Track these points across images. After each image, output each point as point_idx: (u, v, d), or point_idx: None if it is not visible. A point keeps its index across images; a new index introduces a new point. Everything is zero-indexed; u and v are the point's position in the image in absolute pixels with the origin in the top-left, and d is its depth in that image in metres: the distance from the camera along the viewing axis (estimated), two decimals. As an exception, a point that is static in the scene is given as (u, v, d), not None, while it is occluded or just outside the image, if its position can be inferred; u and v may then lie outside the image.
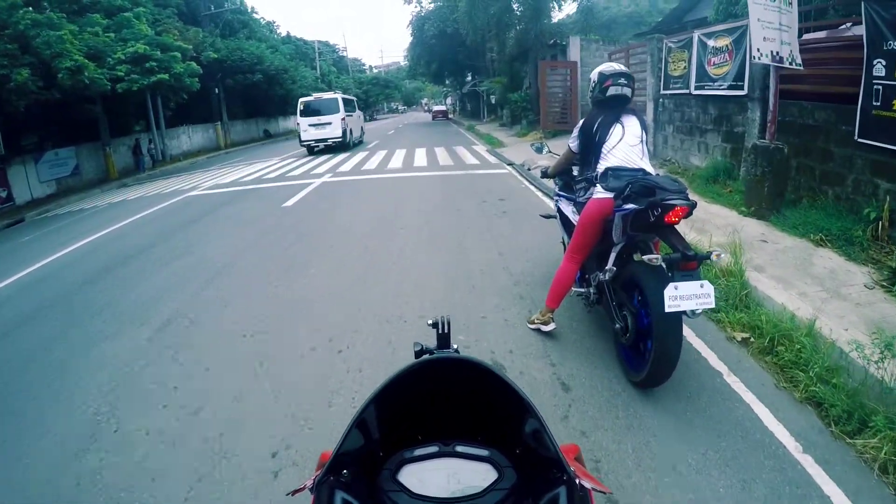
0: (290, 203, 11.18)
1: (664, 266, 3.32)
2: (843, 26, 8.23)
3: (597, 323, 4.76)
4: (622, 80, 4.02)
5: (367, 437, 1.16)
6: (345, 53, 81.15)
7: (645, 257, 3.29)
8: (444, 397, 1.23)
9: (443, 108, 62.89)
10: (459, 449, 1.15)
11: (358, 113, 29.17)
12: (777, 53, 7.19)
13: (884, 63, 5.94)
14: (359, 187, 12.80)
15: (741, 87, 9.23)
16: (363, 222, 8.87)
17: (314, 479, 1.07)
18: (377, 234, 8.07)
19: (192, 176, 19.53)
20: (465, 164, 15.66)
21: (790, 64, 7.24)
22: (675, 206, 3.20)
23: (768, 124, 7.71)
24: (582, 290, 4.46)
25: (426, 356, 1.26)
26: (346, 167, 16.80)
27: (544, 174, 5.35)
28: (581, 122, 4.26)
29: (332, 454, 1.07)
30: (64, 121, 21.28)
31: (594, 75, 4.18)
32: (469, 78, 50.91)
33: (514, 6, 25.62)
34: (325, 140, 22.65)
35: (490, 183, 12.19)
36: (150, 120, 26.24)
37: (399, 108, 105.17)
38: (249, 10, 46.23)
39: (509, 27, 26.76)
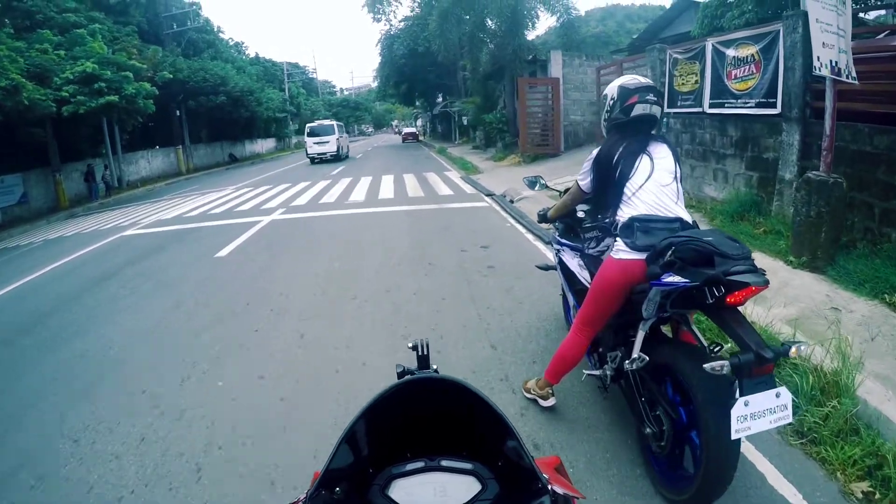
0: (224, 252, 9.30)
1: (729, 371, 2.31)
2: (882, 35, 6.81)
3: (613, 409, 3.75)
4: (651, 97, 3.07)
5: (357, 455, 1.19)
6: (315, 75, 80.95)
7: (708, 366, 2.31)
8: (427, 415, 1.25)
9: (413, 130, 62.31)
10: (445, 463, 1.18)
11: (346, 134, 38.64)
12: (836, 64, 5.70)
13: None
14: (311, 229, 10.92)
15: (773, 105, 7.83)
16: (305, 289, 6.89)
17: (307, 494, 1.11)
18: (320, 312, 6.04)
19: (140, 208, 17.98)
20: (438, 196, 14.02)
21: (846, 77, 5.83)
22: (746, 285, 2.31)
23: (823, 152, 6.18)
24: (595, 372, 3.54)
25: (408, 377, 1.27)
26: (303, 200, 15.06)
27: (543, 218, 4.36)
28: (595, 152, 3.28)
29: (322, 470, 1.11)
30: (9, 145, 19.80)
31: (613, 90, 3.20)
32: (440, 99, 50.33)
33: (489, 22, 24.17)
34: (324, 154, 30.82)
35: (468, 220, 10.65)
36: (107, 144, 24.66)
37: (367, 130, 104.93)
38: (215, 30, 45.29)
39: (483, 44, 25.37)
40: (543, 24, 74.55)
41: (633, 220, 2.88)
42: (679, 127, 10.51)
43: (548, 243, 7.96)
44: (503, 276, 6.73)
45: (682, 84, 10.10)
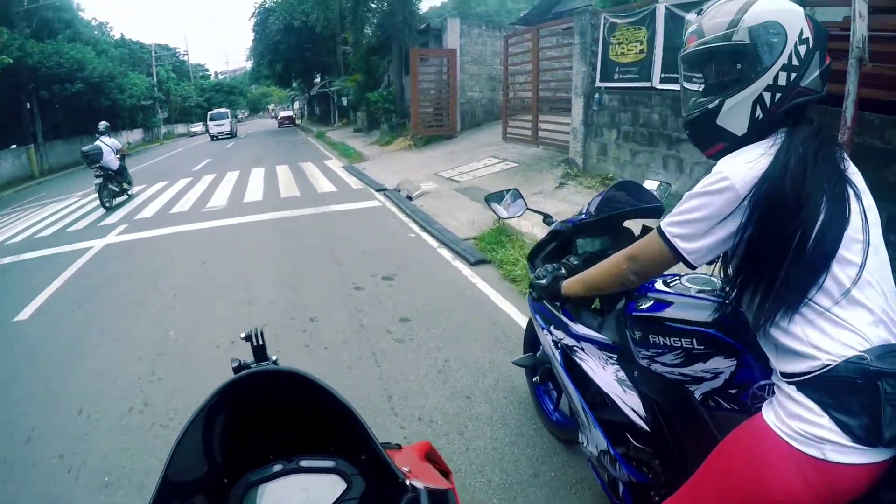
0: (27, 313, 6.04)
1: None
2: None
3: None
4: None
5: (207, 463, 1.12)
6: (186, 58, 74.05)
7: None
8: (280, 412, 1.19)
9: (289, 113, 58.72)
10: (304, 464, 1.15)
11: (234, 119, 48.09)
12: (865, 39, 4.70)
13: None
14: (149, 260, 7.76)
15: (754, 80, 6.54)
16: (120, 396, 4.02)
17: None
18: (136, 456, 3.35)
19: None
20: (317, 194, 11.49)
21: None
22: None
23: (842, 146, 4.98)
24: None
25: (244, 371, 1.17)
26: (150, 210, 11.64)
27: (545, 291, 2.14)
28: (720, 177, 1.45)
29: (156, 486, 1.00)
30: None
31: (790, 21, 1.48)
32: (318, 79, 47.84)
33: None
34: (222, 132, 41.00)
35: (359, 231, 8.14)
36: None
37: (242, 115, 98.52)
38: (74, 7, 40.18)
39: (369, 12, 23.30)
40: None
41: (862, 360, 1.31)
42: (616, 104, 9.10)
43: (473, 263, 6.20)
44: (427, 338, 4.46)
45: (622, 54, 8.67)
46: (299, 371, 1.10)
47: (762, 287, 1.44)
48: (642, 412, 1.97)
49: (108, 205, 12.16)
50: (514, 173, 10.80)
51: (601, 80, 9.41)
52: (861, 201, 1.46)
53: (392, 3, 20.81)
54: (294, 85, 58.24)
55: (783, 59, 1.45)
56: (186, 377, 4.12)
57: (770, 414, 1.43)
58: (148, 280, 6.64)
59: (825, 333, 1.36)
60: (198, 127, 55.73)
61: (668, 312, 1.87)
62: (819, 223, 1.36)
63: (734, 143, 1.54)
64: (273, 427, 1.19)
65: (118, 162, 12.69)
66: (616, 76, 9.01)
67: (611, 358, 2.14)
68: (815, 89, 1.49)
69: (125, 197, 13.27)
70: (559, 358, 2.38)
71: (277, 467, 1.14)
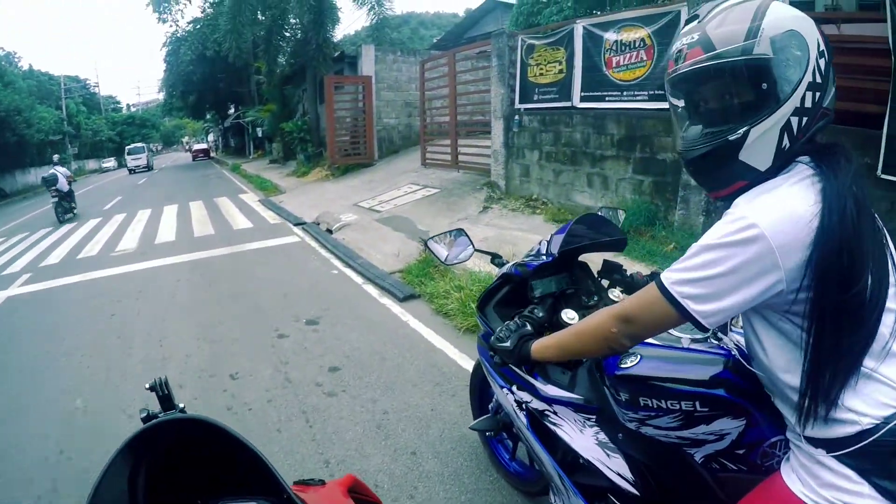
0: None
1: None
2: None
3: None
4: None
5: None
6: (97, 89, 71.05)
7: None
8: (199, 458, 1.16)
9: (204, 146, 55.91)
10: None
11: (150, 153, 49.24)
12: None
13: None
14: (55, 312, 6.86)
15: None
16: (24, 473, 3.49)
17: None
18: None
19: None
20: (233, 232, 10.77)
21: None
22: None
23: None
24: None
25: (152, 421, 1.14)
26: (58, 254, 10.66)
27: (509, 356, 1.75)
28: (747, 225, 1.17)
29: None
30: None
31: (806, 30, 1.25)
32: (232, 109, 46.51)
33: (291, 18, 21.63)
34: (139, 166, 42.37)
35: (278, 271, 7.55)
36: None
37: (156, 149, 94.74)
38: None
39: (283, 40, 22.70)
40: (353, 23, 73.71)
41: None
42: (537, 125, 9.04)
43: (402, 299, 5.80)
44: (361, 389, 3.99)
45: (541, 74, 8.65)
46: (204, 418, 1.11)
47: (808, 364, 1.21)
48: (629, 476, 1.69)
49: (61, 219, 15.49)
50: (436, 200, 10.48)
51: (521, 102, 9.33)
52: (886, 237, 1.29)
53: (306, 31, 20.35)
54: (208, 116, 56.54)
55: (808, 76, 1.23)
56: (98, 454, 3.42)
57: (795, 482, 1.27)
58: (52, 338, 5.84)
59: (863, 394, 1.19)
60: (110, 162, 53.51)
61: (661, 371, 1.58)
62: (869, 285, 1.16)
63: (755, 180, 1.28)
64: (195, 473, 1.16)
65: (68, 186, 16.11)
66: (535, 97, 8.94)
67: (588, 419, 1.82)
68: (832, 110, 1.30)
69: (72, 214, 16.19)
70: (525, 421, 2.01)
71: None
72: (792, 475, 1.30)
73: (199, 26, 35.29)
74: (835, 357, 1.17)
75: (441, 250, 2.54)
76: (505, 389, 2.09)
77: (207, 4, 33.25)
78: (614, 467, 1.72)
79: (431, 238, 2.58)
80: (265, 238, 9.62)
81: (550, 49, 8.38)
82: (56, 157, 18.81)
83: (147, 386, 1.39)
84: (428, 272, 6.30)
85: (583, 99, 8.00)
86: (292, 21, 21.97)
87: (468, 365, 4.17)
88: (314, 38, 19.61)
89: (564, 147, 8.57)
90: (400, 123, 18.24)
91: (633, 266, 2.55)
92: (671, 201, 6.94)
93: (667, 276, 1.28)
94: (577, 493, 1.84)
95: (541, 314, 1.86)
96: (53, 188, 15.51)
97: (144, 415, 1.28)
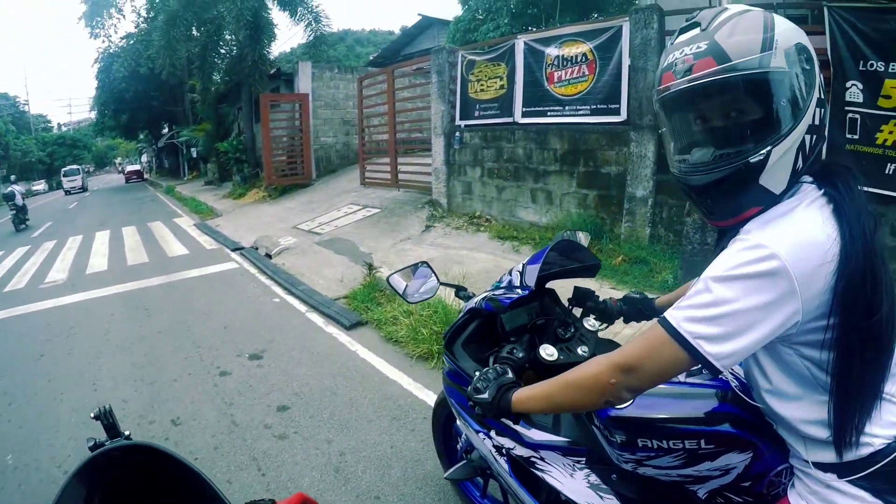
0: None
1: None
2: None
3: None
4: None
5: None
6: (27, 107, 69.54)
7: None
8: (149, 484, 1.19)
9: (137, 167, 53.65)
10: None
11: (84, 174, 49.26)
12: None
13: (860, 87, 4.87)
14: None
15: (616, 112, 6.71)
16: None
17: None
18: None
19: None
20: (168, 259, 10.12)
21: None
22: None
23: None
24: None
25: (99, 450, 1.17)
26: None
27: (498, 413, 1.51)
28: (767, 253, 1.08)
29: None
30: None
31: (786, 35, 1.16)
32: (166, 129, 45.22)
33: (225, 33, 21.04)
34: (75, 187, 42.29)
35: (217, 301, 7.02)
36: None
37: (88, 170, 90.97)
38: None
39: (218, 58, 22.10)
40: (289, 39, 73.14)
41: None
42: (479, 142, 8.97)
43: (349, 327, 5.54)
44: (313, 429, 3.70)
45: (482, 90, 8.60)
46: (150, 443, 1.13)
47: (836, 395, 1.16)
48: None
49: (18, 228, 18.47)
50: (377, 220, 10.25)
51: (461, 118, 9.26)
52: None
53: (241, 48, 19.75)
54: (141, 136, 54.52)
55: (817, 92, 1.17)
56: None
57: None
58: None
59: (875, 417, 1.16)
60: (40, 185, 50.50)
61: (660, 410, 1.47)
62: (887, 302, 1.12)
63: (769, 205, 1.18)
64: (146, 501, 1.17)
65: (22, 201, 19.02)
66: (477, 113, 8.89)
67: (578, 462, 1.68)
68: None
69: (25, 225, 18.93)
70: (507, 467, 1.84)
71: None
72: (801, 502, 1.26)
73: (132, 42, 34.02)
74: (860, 385, 1.13)
75: (403, 286, 2.35)
76: (482, 434, 1.91)
77: (141, 19, 32.33)
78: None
79: (392, 274, 2.38)
80: (202, 265, 9.12)
81: (491, 65, 8.34)
82: (13, 177, 23.59)
83: (92, 415, 1.40)
84: (374, 297, 6.06)
85: (525, 114, 7.98)
86: (228, 37, 21.27)
87: (424, 396, 3.99)
88: (250, 54, 19.10)
89: (507, 163, 8.52)
90: (338, 142, 17.96)
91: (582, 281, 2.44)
92: (617, 214, 6.96)
93: (674, 315, 1.15)
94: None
95: (520, 354, 1.67)
96: (11, 202, 18.79)
97: (92, 444, 1.29)
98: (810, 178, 1.19)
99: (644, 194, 6.50)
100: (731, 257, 1.10)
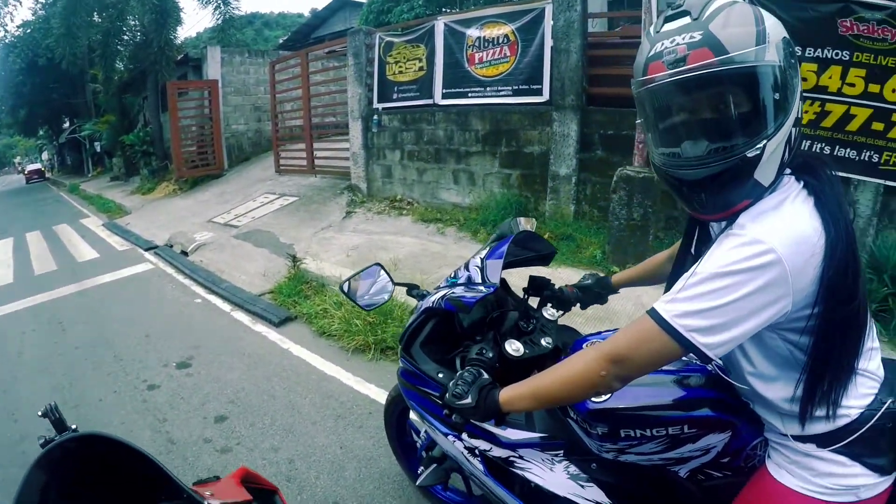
0: None
1: None
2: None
3: None
4: None
5: None
6: None
7: None
8: (102, 476, 1.20)
9: (38, 166, 49.57)
10: None
11: None
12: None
13: None
14: None
15: (538, 92, 6.76)
16: None
17: None
18: None
19: None
20: (78, 265, 9.19)
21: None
22: None
23: (639, 145, 5.30)
24: None
25: (50, 444, 1.15)
26: None
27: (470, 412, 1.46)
28: (764, 248, 1.11)
29: None
30: None
31: (775, 28, 1.16)
32: (67, 123, 41.79)
33: (130, 20, 19.69)
34: None
35: (135, 307, 6.46)
36: None
37: None
38: None
39: (121, 45, 20.71)
40: (196, 23, 70.25)
41: (883, 404, 1.30)
42: (398, 125, 8.83)
43: (278, 323, 5.33)
44: (256, 438, 3.47)
45: (400, 73, 8.45)
46: (98, 432, 1.14)
47: (809, 374, 1.23)
48: (606, 501, 1.59)
49: None
50: (296, 208, 9.92)
51: (379, 101, 9.07)
52: None
53: (146, 33, 18.55)
54: (41, 132, 50.68)
55: (799, 86, 1.20)
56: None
57: (786, 477, 1.33)
58: None
59: (850, 391, 1.25)
60: None
61: (640, 399, 1.49)
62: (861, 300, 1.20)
63: (758, 198, 1.21)
64: (102, 492, 1.18)
65: None
66: (395, 96, 8.73)
67: (556, 455, 1.66)
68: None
69: None
70: (481, 467, 1.78)
71: None
72: (781, 471, 1.35)
73: (29, 31, 30.79)
74: (836, 364, 1.20)
75: (356, 293, 2.21)
76: (451, 437, 1.83)
77: (39, 6, 29.93)
78: (590, 496, 1.60)
79: (345, 281, 2.22)
80: (115, 269, 8.44)
81: (410, 46, 8.19)
82: None
83: (40, 413, 1.38)
84: (300, 290, 5.84)
85: (445, 96, 7.90)
86: (132, 22, 19.78)
87: (366, 390, 3.89)
88: (155, 40, 17.97)
89: (427, 145, 8.43)
90: (250, 129, 17.23)
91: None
92: (541, 192, 7.03)
93: (666, 309, 1.17)
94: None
95: (490, 354, 1.61)
96: None
97: (42, 441, 1.27)
98: (789, 171, 1.23)
99: (567, 172, 6.57)
100: (729, 253, 1.12)
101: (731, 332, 1.12)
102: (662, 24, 1.20)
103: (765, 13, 1.15)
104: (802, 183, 1.21)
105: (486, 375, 1.45)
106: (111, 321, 5.97)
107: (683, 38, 1.13)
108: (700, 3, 1.16)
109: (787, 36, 1.15)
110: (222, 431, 3.60)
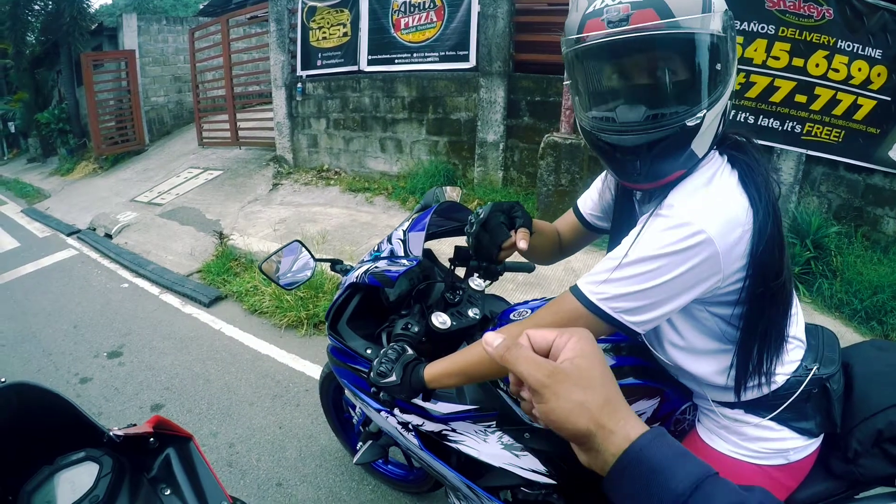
0: None
1: None
2: None
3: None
4: None
5: None
6: None
7: None
8: (30, 424, 1.17)
9: None
10: (63, 462, 1.14)
11: None
12: None
13: None
14: None
15: (465, 59, 6.72)
16: None
17: None
18: None
19: None
20: None
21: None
22: None
23: (566, 111, 5.35)
24: None
25: None
26: None
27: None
28: (694, 229, 1.11)
29: None
30: None
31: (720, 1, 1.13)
32: None
33: None
34: None
35: (61, 297, 6.06)
36: None
37: None
38: None
39: (32, 16, 19.23)
40: None
41: (808, 370, 1.35)
42: (323, 92, 8.62)
43: (208, 304, 5.23)
44: (194, 423, 3.39)
45: (324, 38, 8.21)
46: (24, 381, 1.14)
47: (742, 345, 1.26)
48: (542, 469, 1.59)
49: None
50: (221, 182, 9.59)
51: (303, 69, 8.84)
52: None
53: (58, 2, 17.11)
54: None
55: (736, 59, 1.18)
56: None
57: (717, 441, 1.38)
58: None
59: (777, 357, 1.28)
60: None
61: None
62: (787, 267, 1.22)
63: (691, 169, 1.20)
64: (30, 440, 1.17)
65: None
66: (319, 63, 8.52)
67: (489, 427, 1.66)
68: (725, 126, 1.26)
69: None
70: (416, 442, 1.78)
71: (45, 472, 1.14)
72: (712, 436, 1.39)
73: None
74: (766, 336, 1.22)
75: (276, 272, 2.14)
76: (384, 413, 1.83)
77: None
78: (526, 465, 1.61)
79: (263, 261, 2.13)
80: (37, 258, 7.93)
81: (334, 11, 7.97)
82: None
83: None
84: (229, 268, 5.72)
85: (370, 62, 7.75)
86: None
87: (301, 366, 3.89)
88: (67, 9, 16.62)
89: (353, 113, 8.29)
90: (170, 101, 16.30)
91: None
92: (469, 159, 7.06)
93: (594, 291, 1.16)
94: (490, 497, 1.70)
95: (416, 329, 1.60)
96: None
97: None
98: (715, 147, 1.22)
99: (495, 139, 6.61)
100: (660, 235, 1.10)
101: (660, 310, 1.14)
102: None
103: None
104: (732, 160, 1.20)
105: (410, 351, 1.46)
106: (37, 314, 5.68)
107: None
108: None
109: (729, 10, 1.12)
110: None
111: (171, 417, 3.40)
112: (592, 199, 1.67)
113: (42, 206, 12.02)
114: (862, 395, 1.35)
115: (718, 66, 1.10)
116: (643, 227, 1.15)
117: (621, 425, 0.62)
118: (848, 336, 4.02)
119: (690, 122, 1.10)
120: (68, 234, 8.91)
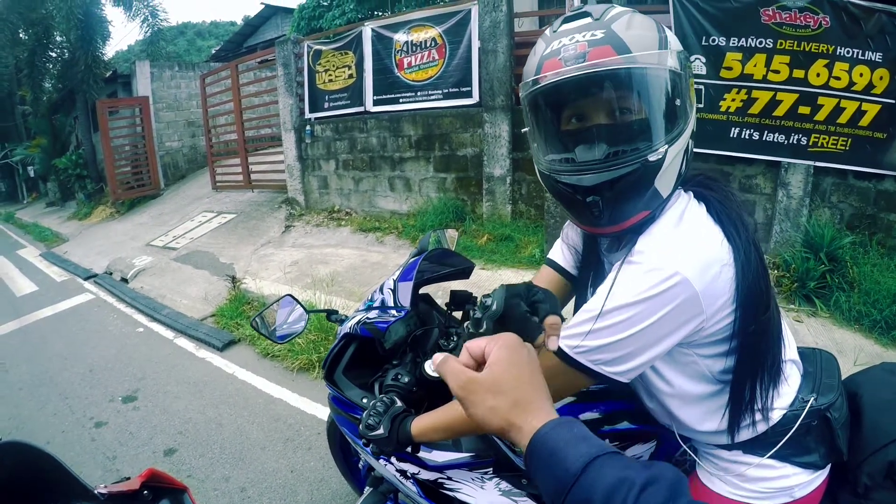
0: None
1: None
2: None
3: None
4: None
5: None
6: None
7: None
8: (32, 479, 1.18)
9: None
10: None
11: None
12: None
13: (704, 60, 5.22)
14: None
15: (469, 94, 6.82)
16: None
17: None
18: None
19: None
20: (17, 300, 8.74)
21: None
22: None
23: None
24: None
25: None
26: None
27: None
28: (670, 272, 1.07)
29: None
30: None
31: (673, 38, 1.18)
32: None
33: (56, 34, 18.71)
34: None
35: (77, 341, 6.18)
36: None
37: None
38: None
39: (49, 62, 19.76)
40: (125, 37, 67.59)
41: (805, 402, 1.28)
42: (331, 134, 8.78)
43: (222, 348, 5.29)
44: (207, 468, 3.48)
45: (331, 81, 8.40)
46: (17, 441, 1.14)
47: (735, 385, 1.22)
48: None
49: None
50: (234, 226, 9.74)
51: (311, 111, 9.01)
52: None
53: (73, 50, 17.57)
54: None
55: (695, 100, 1.19)
56: None
57: (718, 484, 1.32)
58: None
59: (775, 387, 1.24)
60: None
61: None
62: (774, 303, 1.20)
63: (655, 210, 1.16)
64: (21, 499, 1.17)
65: None
66: (327, 105, 8.69)
67: (486, 473, 1.63)
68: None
69: None
70: (415, 489, 1.77)
71: None
72: (712, 479, 1.33)
73: None
74: (763, 367, 1.18)
75: (269, 326, 2.15)
76: (382, 461, 1.82)
77: None
78: None
79: (256, 316, 2.16)
80: (54, 301, 8.09)
81: (339, 54, 8.16)
82: None
83: None
84: (242, 311, 5.79)
85: (376, 102, 7.90)
86: (58, 39, 18.80)
87: (313, 409, 3.89)
88: (82, 57, 17.09)
89: (362, 153, 8.42)
90: (184, 146, 16.69)
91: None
92: (477, 194, 7.12)
93: (571, 346, 1.13)
94: None
95: (406, 379, 1.57)
96: None
97: None
98: (680, 186, 1.20)
99: (502, 173, 6.68)
100: (634, 283, 1.07)
101: (641, 358, 1.10)
102: (560, 25, 1.15)
103: (664, 26, 1.14)
104: (701, 198, 1.19)
105: (399, 403, 1.43)
106: (53, 357, 5.77)
107: (584, 36, 1.07)
108: (601, 7, 1.12)
109: (684, 52, 1.13)
110: (172, 464, 3.54)
111: (183, 462, 3.42)
112: (563, 252, 1.63)
113: (60, 250, 12.21)
114: (871, 424, 1.28)
115: (678, 102, 1.10)
116: (616, 276, 1.12)
117: (528, 420, 0.72)
118: (868, 348, 3.96)
119: (652, 158, 1.08)
120: (85, 279, 9.04)
